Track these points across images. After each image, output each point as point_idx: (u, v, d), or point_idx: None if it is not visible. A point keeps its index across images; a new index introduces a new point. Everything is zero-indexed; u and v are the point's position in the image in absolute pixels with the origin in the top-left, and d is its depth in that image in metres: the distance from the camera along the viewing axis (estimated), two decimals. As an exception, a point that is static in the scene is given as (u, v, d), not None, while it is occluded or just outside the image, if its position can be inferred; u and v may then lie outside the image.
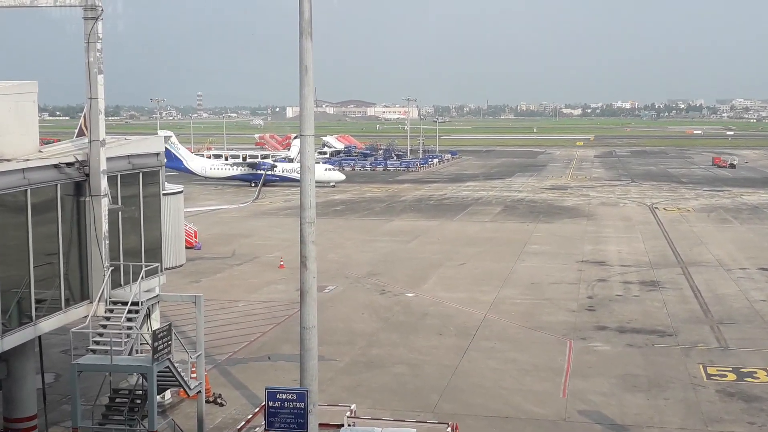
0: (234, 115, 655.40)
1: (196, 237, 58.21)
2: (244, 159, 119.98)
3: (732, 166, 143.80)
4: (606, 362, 31.97)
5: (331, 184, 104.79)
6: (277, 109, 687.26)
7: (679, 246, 59.54)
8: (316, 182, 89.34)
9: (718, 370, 30.76)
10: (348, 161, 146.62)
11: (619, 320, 38.43)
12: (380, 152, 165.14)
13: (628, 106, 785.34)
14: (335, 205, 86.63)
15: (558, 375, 30.39)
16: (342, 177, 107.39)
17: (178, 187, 30.36)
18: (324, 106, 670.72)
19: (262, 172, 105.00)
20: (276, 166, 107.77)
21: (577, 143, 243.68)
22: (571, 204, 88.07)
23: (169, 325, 22.25)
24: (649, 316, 39.27)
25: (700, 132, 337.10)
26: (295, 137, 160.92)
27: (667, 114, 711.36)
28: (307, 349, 21.35)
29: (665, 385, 29.32)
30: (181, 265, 29.44)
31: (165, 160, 27.24)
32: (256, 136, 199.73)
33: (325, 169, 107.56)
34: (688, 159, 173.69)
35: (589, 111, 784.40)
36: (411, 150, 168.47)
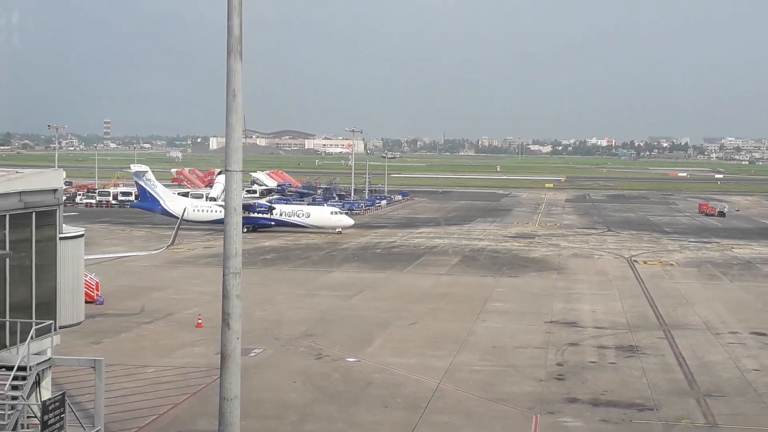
0: (147, 146, 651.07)
1: (98, 289, 57.30)
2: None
3: (721, 214, 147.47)
4: (577, 440, 32.17)
5: (338, 230, 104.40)
6: (199, 140, 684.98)
7: (662, 305, 60.62)
8: (320, 228, 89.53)
9: (704, 450, 31.17)
10: (281, 202, 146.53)
11: (593, 391, 38.82)
12: (319, 191, 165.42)
13: (604, 143, 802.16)
14: (265, 253, 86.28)
15: (522, 455, 30.48)
16: (351, 222, 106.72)
17: (79, 230, 30.00)
18: (255, 137, 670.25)
19: (257, 214, 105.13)
20: (274, 208, 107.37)
21: (547, 185, 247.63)
22: (539, 255, 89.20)
23: (63, 394, 21.82)
24: (626, 386, 39.76)
25: (685, 174, 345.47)
26: (220, 173, 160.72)
27: (648, 153, 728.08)
28: (228, 424, 21.10)
29: (645, 467, 29.60)
30: (79, 323, 28.95)
31: (63, 198, 26.95)
32: (173, 170, 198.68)
33: (332, 213, 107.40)
34: (671, 205, 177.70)
35: (560, 148, 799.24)
36: (355, 189, 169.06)
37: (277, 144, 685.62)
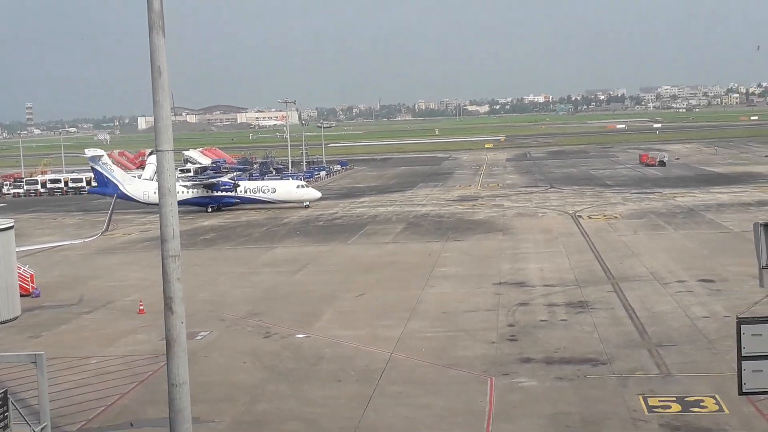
0: (73, 129, 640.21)
1: (32, 282, 56.42)
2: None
3: (662, 163, 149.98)
4: (533, 400, 32.67)
5: (305, 204, 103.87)
6: (127, 121, 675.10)
7: (608, 259, 61.59)
8: (288, 203, 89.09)
9: (660, 401, 31.90)
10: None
11: (546, 350, 39.38)
12: (256, 166, 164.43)
13: (541, 99, 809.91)
14: (204, 233, 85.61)
15: (479, 419, 30.86)
16: (318, 195, 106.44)
17: (8, 222, 29.36)
18: (184, 114, 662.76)
19: (222, 193, 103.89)
20: (239, 186, 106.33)
21: (486, 145, 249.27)
22: (483, 217, 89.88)
23: (5, 392, 21.44)
24: (578, 342, 40.40)
25: (623, 126, 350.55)
26: (150, 153, 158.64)
27: (585, 107, 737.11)
28: (178, 410, 20.91)
29: (601, 422, 30.18)
30: (15, 318, 28.44)
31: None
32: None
33: (298, 186, 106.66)
34: (612, 158, 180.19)
35: (498, 107, 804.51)
36: (292, 162, 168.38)
37: (209, 120, 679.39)
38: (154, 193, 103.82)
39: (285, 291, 55.33)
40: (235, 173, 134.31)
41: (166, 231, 21.07)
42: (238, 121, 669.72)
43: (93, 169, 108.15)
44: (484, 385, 34.68)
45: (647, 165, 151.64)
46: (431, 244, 72.62)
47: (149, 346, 42.23)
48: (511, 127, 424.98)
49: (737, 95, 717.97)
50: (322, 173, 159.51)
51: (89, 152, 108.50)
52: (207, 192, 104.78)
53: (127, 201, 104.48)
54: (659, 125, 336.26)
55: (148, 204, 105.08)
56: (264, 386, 35.71)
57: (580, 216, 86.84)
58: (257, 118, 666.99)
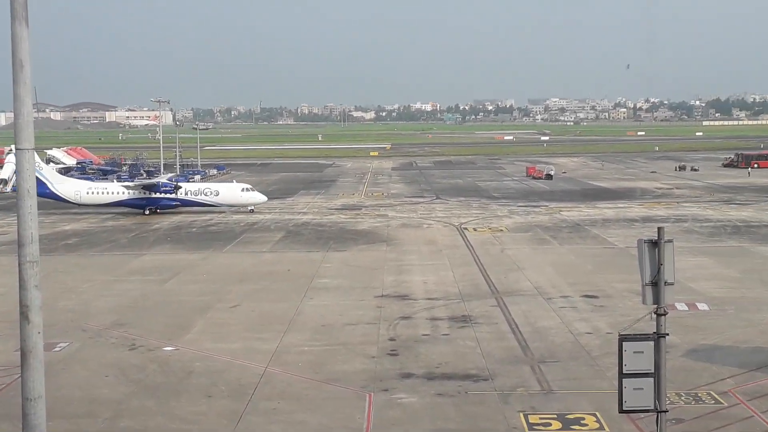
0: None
1: None
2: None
3: (549, 176, 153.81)
4: (413, 417, 32.97)
5: (250, 208, 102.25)
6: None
7: (493, 273, 62.71)
8: (231, 206, 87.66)
9: (540, 419, 32.61)
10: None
11: (427, 365, 39.81)
12: (125, 168, 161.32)
13: (428, 108, 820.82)
14: (66, 238, 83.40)
15: (357, 437, 30.94)
16: (264, 198, 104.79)
17: None
18: (48, 110, 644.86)
19: (161, 194, 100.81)
20: (180, 187, 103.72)
21: (372, 153, 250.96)
22: (366, 227, 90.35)
23: None
24: (461, 357, 40.99)
25: (511, 138, 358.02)
26: (10, 152, 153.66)
27: (473, 117, 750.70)
28: (32, 426, 20.30)
29: (482, 439, 30.67)
30: None
31: None
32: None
33: (243, 189, 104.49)
34: (499, 169, 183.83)
35: (384, 114, 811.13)
36: (165, 164, 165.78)
37: (75, 118, 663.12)
38: (87, 193, 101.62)
39: (153, 301, 54.35)
40: (172, 174, 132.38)
41: (24, 235, 20.45)
42: (107, 120, 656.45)
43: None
44: (363, 401, 34.81)
45: (534, 178, 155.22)
46: (312, 253, 72.54)
47: (3, 357, 40.79)
48: (397, 134, 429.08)
49: (625, 110, 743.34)
50: (197, 177, 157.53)
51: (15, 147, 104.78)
52: (145, 193, 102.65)
53: (57, 201, 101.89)
54: (547, 138, 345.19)
55: (80, 205, 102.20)
56: (128, 401, 34.96)
57: (465, 228, 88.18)
58: (128, 117, 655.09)
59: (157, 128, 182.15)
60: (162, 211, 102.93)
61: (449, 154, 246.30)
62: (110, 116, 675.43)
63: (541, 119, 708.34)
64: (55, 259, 69.31)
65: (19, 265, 20.46)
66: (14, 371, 34.56)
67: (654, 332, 18.78)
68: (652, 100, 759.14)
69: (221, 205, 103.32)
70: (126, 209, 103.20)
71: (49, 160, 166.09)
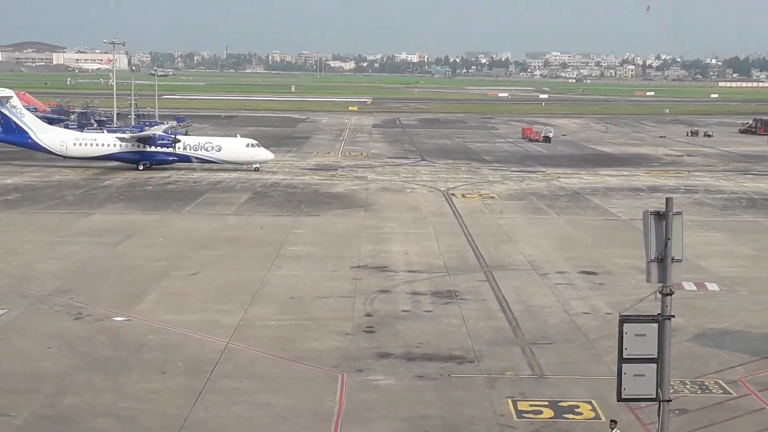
0: None
1: None
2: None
3: (546, 139, 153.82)
4: (390, 401, 33.13)
5: (255, 166, 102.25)
6: None
7: (482, 244, 62.84)
8: (234, 164, 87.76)
9: (531, 406, 32.84)
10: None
11: (407, 344, 39.94)
12: (74, 117, 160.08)
13: (415, 59, 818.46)
14: (6, 193, 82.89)
15: (326, 421, 31.08)
16: (271, 156, 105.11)
17: None
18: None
19: (157, 148, 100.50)
20: (178, 141, 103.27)
21: (350, 107, 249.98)
22: (343, 190, 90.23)
23: None
24: (444, 337, 41.14)
25: (506, 95, 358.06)
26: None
27: (465, 70, 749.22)
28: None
29: (465, 427, 30.86)
30: None
31: None
32: None
33: (247, 145, 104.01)
34: (492, 130, 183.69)
35: (365, 65, 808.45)
36: (119, 114, 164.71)
37: (18, 59, 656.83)
38: (74, 144, 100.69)
39: (103, 265, 54.16)
40: (168, 126, 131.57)
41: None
42: (54, 63, 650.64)
43: None
44: (335, 382, 34.92)
45: (531, 140, 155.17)
46: (281, 218, 72.45)
47: (-68, 325, 40.76)
48: (379, 88, 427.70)
49: (633, 67, 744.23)
50: (155, 128, 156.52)
51: None
52: (140, 146, 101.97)
53: (40, 152, 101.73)
54: (546, 96, 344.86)
55: (66, 157, 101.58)
56: (72, 376, 34.95)
57: (453, 194, 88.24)
58: (77, 60, 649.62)
59: (111, 73, 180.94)
60: (157, 166, 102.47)
61: (437, 112, 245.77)
62: (58, 58, 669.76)
63: (540, 75, 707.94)
64: (-7, 216, 68.93)
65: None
66: (-55, 340, 34.48)
67: (658, 314, 18.86)
68: (663, 56, 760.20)
69: (223, 162, 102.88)
70: (117, 163, 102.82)
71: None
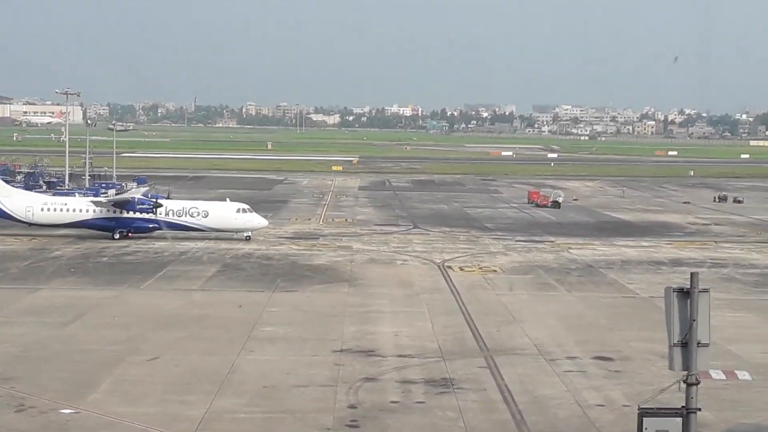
0: None
1: None
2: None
3: (556, 204, 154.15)
4: (376, 508, 32.77)
5: (246, 235, 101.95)
6: None
7: (482, 325, 62.69)
8: (221, 232, 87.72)
9: None
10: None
11: (396, 441, 39.62)
12: (20, 178, 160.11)
13: (407, 112, 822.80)
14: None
15: None
16: (265, 223, 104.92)
17: None
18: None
19: (137, 214, 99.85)
20: (161, 206, 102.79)
21: (334, 167, 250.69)
22: (325, 261, 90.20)
23: None
24: (439, 432, 40.85)
25: (510, 153, 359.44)
26: None
27: (464, 126, 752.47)
28: None
29: None
30: None
31: None
32: None
33: (238, 210, 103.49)
34: (494, 194, 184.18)
35: (351, 119, 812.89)
36: (71, 174, 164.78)
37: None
38: (42, 209, 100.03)
39: (50, 350, 53.86)
40: (147, 189, 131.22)
41: None
42: (0, 115, 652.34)
43: None
44: (313, 485, 34.61)
45: (538, 205, 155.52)
46: (254, 294, 72.29)
47: None
48: (367, 145, 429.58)
49: (653, 123, 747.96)
50: (111, 191, 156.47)
51: None
52: (116, 212, 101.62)
53: (1, 219, 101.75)
54: (555, 155, 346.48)
55: (33, 224, 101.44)
56: (12, 479, 34.60)
57: (449, 267, 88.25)
58: (26, 112, 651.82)
59: (63, 128, 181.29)
60: (135, 234, 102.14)
61: (432, 172, 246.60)
62: (3, 110, 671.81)
63: (549, 131, 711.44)
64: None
65: None
66: None
67: (682, 406, 18.79)
68: (687, 111, 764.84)
69: (210, 229, 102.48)
70: (90, 231, 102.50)
71: None
